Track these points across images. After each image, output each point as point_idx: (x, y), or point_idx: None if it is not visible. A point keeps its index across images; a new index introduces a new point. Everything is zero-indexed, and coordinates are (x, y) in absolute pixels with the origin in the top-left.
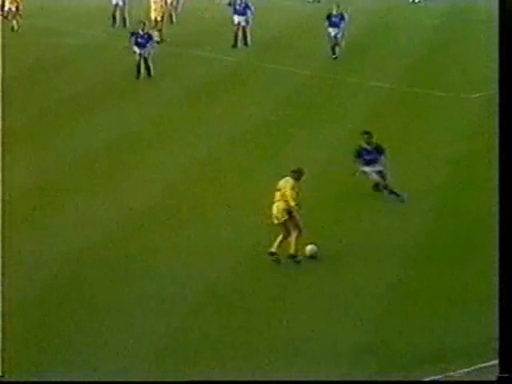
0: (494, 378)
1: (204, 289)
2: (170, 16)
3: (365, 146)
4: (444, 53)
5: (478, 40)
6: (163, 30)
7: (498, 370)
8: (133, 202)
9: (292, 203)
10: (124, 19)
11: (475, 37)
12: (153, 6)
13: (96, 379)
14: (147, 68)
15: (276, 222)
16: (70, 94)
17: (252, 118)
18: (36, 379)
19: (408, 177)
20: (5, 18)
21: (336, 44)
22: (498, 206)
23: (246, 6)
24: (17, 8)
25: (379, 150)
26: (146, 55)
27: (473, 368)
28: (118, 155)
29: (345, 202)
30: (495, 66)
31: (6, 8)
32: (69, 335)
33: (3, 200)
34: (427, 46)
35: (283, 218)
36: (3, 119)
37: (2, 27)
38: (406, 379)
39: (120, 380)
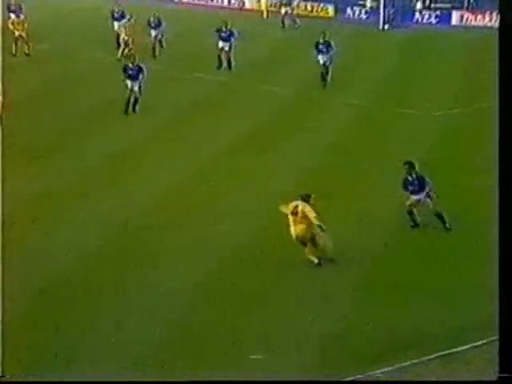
0: (494, 377)
1: (202, 287)
2: (153, 49)
3: (407, 176)
4: (410, 75)
5: (440, 63)
6: (129, 53)
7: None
8: (133, 204)
9: (316, 222)
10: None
11: (437, 61)
12: (124, 30)
13: (96, 379)
14: (135, 102)
15: (301, 240)
16: (75, 112)
17: (238, 132)
18: (36, 379)
19: (383, 180)
20: (15, 44)
21: (326, 71)
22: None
23: (231, 34)
24: (27, 34)
25: (422, 179)
26: (137, 88)
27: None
28: (118, 166)
29: (334, 208)
30: (454, 88)
31: (16, 34)
32: (69, 335)
33: (8, 205)
34: (395, 69)
35: (308, 236)
36: (13, 135)
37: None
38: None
39: (120, 380)
